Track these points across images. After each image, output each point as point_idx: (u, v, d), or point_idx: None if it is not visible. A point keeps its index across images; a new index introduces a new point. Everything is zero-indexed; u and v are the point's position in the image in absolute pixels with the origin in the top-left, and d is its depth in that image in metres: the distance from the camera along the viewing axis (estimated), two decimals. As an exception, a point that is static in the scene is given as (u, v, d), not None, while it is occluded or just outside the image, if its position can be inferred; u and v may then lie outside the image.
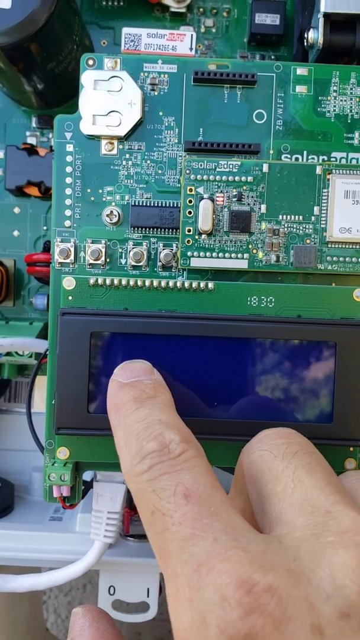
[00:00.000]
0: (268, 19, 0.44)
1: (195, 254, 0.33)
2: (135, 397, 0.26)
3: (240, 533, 0.19)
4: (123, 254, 0.34)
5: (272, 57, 0.46)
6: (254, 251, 0.33)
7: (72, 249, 0.33)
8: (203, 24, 0.46)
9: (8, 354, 0.42)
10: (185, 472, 0.21)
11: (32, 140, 0.46)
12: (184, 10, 0.45)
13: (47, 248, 0.46)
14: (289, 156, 0.33)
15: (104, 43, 0.46)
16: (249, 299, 0.32)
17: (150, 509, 0.21)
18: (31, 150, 0.44)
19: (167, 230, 0.33)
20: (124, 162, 0.33)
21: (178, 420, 0.24)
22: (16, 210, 0.47)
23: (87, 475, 0.35)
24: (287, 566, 0.18)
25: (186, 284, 0.32)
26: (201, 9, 0.46)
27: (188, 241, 0.33)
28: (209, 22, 0.46)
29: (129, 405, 0.25)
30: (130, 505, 0.43)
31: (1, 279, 0.44)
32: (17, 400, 0.51)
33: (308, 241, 0.33)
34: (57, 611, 0.81)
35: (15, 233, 0.47)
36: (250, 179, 0.33)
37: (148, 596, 0.43)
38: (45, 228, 0.47)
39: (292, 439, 0.24)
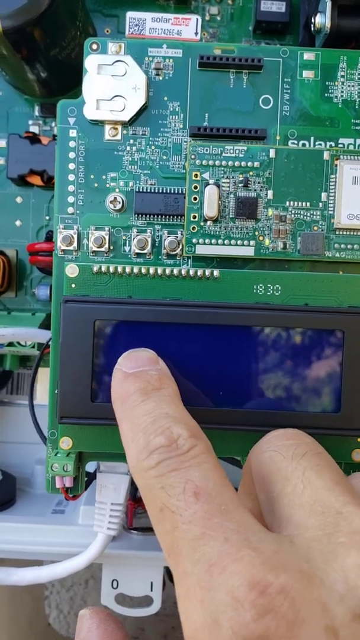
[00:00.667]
0: (274, 6, 0.43)
1: (201, 241, 0.32)
2: (141, 389, 0.25)
3: (252, 532, 0.19)
4: (127, 241, 0.33)
5: (278, 45, 0.45)
6: (261, 238, 0.32)
7: (75, 236, 0.33)
8: (208, 12, 0.45)
9: (10, 344, 0.41)
10: (195, 468, 0.21)
11: (34, 129, 0.46)
12: (188, -3, 0.45)
13: (49, 237, 0.45)
14: (295, 142, 0.33)
15: (107, 31, 0.46)
16: (255, 287, 0.32)
17: (159, 506, 0.20)
18: (34, 139, 0.44)
19: (171, 217, 0.33)
20: (128, 148, 0.33)
21: (185, 414, 0.24)
22: (18, 199, 0.46)
23: (90, 467, 0.35)
24: (299, 567, 0.18)
25: (191, 272, 0.32)
26: (206, -3, 0.45)
27: (193, 228, 0.32)
28: (214, 10, 0.45)
29: (135, 396, 0.25)
30: (133, 497, 0.42)
31: (3, 269, 0.44)
32: (19, 392, 0.51)
33: (315, 228, 0.32)
34: (59, 607, 0.80)
35: (18, 223, 0.46)
36: (256, 164, 0.32)
37: (152, 590, 0.42)
38: (47, 218, 0.46)
39: (300, 440, 0.24)
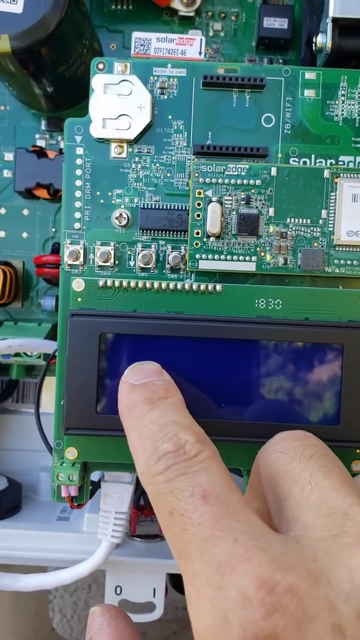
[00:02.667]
0: (276, 23, 0.44)
1: (204, 256, 0.33)
2: (148, 398, 0.26)
3: (259, 533, 0.19)
4: (132, 256, 0.34)
5: (280, 60, 0.46)
6: (262, 254, 0.33)
7: (82, 251, 0.33)
8: (211, 28, 0.46)
9: (17, 354, 0.42)
10: (202, 472, 0.21)
11: (41, 143, 0.47)
12: (192, 14, 0.45)
13: (55, 250, 0.46)
14: (297, 160, 0.34)
15: (112, 47, 0.47)
16: (256, 301, 0.33)
17: (168, 509, 0.21)
18: (40, 153, 0.45)
19: (175, 232, 0.34)
20: (133, 165, 0.34)
21: (192, 421, 0.25)
22: (25, 212, 0.47)
23: (94, 476, 0.35)
24: (306, 566, 0.18)
25: (194, 286, 0.32)
26: (210, 13, 0.46)
27: (196, 244, 0.33)
28: (218, 26, 0.46)
29: (142, 406, 0.25)
30: (137, 505, 0.43)
31: (10, 280, 0.45)
32: (24, 401, 0.51)
33: (316, 244, 0.33)
34: (62, 611, 0.81)
35: (24, 235, 0.47)
36: (258, 182, 0.33)
37: (154, 596, 0.43)
38: (54, 230, 0.47)
39: (308, 442, 0.24)
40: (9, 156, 0.47)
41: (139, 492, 0.42)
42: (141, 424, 0.24)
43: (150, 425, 0.24)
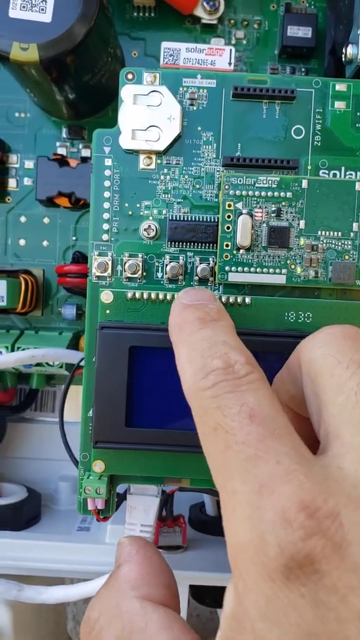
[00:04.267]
0: (300, 31, 0.44)
1: (233, 268, 0.33)
2: (200, 318, 0.25)
3: (303, 458, 0.19)
4: (160, 268, 0.34)
5: (303, 69, 0.46)
6: (292, 267, 0.33)
7: (110, 263, 0.33)
8: (234, 36, 0.46)
9: (38, 364, 0.42)
10: (250, 393, 0.21)
11: (62, 151, 0.46)
12: (215, 22, 0.45)
13: (76, 258, 0.46)
14: (326, 172, 0.33)
15: (134, 54, 0.46)
16: (286, 314, 0.32)
17: (213, 425, 0.21)
18: (62, 161, 0.45)
19: (203, 244, 0.33)
20: (162, 177, 0.33)
21: (242, 344, 0.24)
22: (46, 220, 0.47)
23: (119, 487, 0.35)
24: (347, 493, 0.18)
25: (223, 298, 0.32)
26: (232, 21, 0.46)
27: (226, 256, 0.33)
28: (240, 34, 0.46)
29: (194, 324, 0.25)
30: (159, 516, 0.43)
31: (31, 289, 0.45)
32: (44, 410, 0.51)
33: (347, 257, 0.33)
34: (75, 618, 0.80)
35: (45, 243, 0.47)
36: (289, 194, 0.33)
37: (177, 608, 0.43)
38: (74, 238, 0.47)
39: (359, 343, 0.23)
40: (29, 164, 0.46)
41: (161, 504, 0.41)
42: (191, 340, 0.24)
43: (201, 342, 0.23)
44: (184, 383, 0.23)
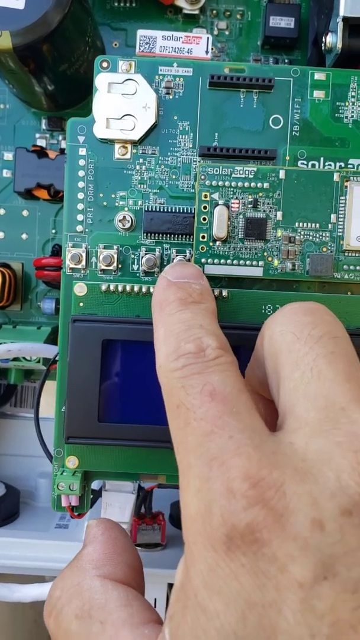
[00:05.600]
0: (282, 22, 0.43)
1: (210, 260, 0.32)
2: (181, 299, 0.26)
3: (256, 434, 0.20)
4: (135, 260, 0.33)
5: (286, 60, 0.45)
6: (269, 259, 0.32)
7: (84, 255, 0.33)
8: (216, 27, 0.45)
9: (16, 359, 0.41)
10: (216, 374, 0.22)
11: (41, 142, 0.46)
12: (197, 12, 0.45)
13: (55, 252, 0.45)
14: (305, 162, 0.33)
15: (115, 44, 0.46)
16: (263, 307, 0.32)
17: (176, 402, 0.21)
18: (41, 153, 0.44)
19: (180, 236, 0.33)
20: (137, 167, 0.33)
21: (218, 329, 0.25)
22: (25, 213, 0.46)
23: (95, 484, 0.34)
24: (294, 465, 0.18)
25: (199, 292, 0.31)
26: (214, 11, 0.45)
27: (202, 248, 0.32)
28: (222, 25, 0.45)
29: (174, 304, 0.25)
30: (137, 514, 0.42)
31: (9, 283, 0.44)
32: (23, 405, 0.50)
33: (325, 249, 0.32)
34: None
35: (24, 236, 0.46)
36: (266, 185, 0.32)
37: (155, 606, 0.42)
38: (54, 231, 0.46)
39: (318, 319, 0.23)
40: (8, 156, 0.46)
41: (139, 501, 0.41)
42: (169, 321, 0.25)
43: (178, 324, 0.24)
44: (157, 362, 0.24)
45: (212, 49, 0.40)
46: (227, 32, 0.46)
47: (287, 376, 0.21)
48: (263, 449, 0.19)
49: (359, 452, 0.18)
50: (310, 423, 0.20)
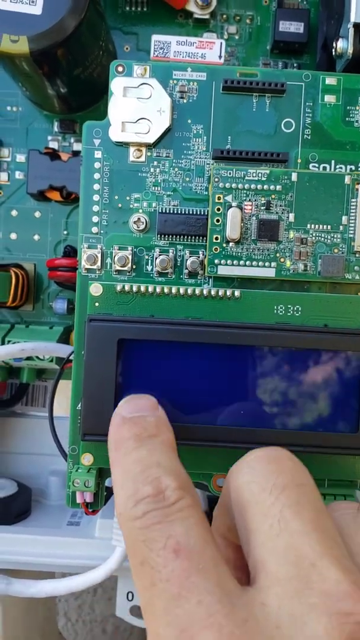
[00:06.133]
0: (292, 26, 0.44)
1: (223, 261, 0.33)
2: (137, 435, 0.25)
3: (226, 595, 0.19)
4: (149, 260, 0.34)
5: (295, 64, 0.46)
6: (282, 260, 0.33)
7: (99, 256, 0.33)
8: (226, 31, 0.46)
9: (29, 358, 0.42)
10: (178, 523, 0.21)
11: (53, 145, 0.46)
12: (207, 16, 0.45)
13: (67, 253, 0.46)
14: (316, 165, 0.33)
15: (127, 48, 0.46)
16: (275, 307, 0.32)
17: (140, 559, 0.21)
18: (54, 155, 0.45)
19: (193, 237, 0.33)
20: (151, 170, 0.33)
21: (177, 464, 0.24)
22: (37, 214, 0.47)
23: (108, 481, 0.35)
24: (268, 634, 0.18)
25: (212, 292, 0.32)
26: (225, 16, 0.46)
27: (216, 249, 0.33)
28: (232, 29, 0.46)
29: (129, 442, 0.25)
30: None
31: (22, 283, 0.44)
32: (34, 404, 0.51)
33: (336, 250, 0.33)
34: (67, 614, 0.80)
35: (36, 237, 0.47)
36: (279, 187, 0.33)
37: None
38: (65, 232, 0.47)
39: (282, 467, 0.22)
40: (21, 158, 0.46)
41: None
42: (125, 461, 0.24)
43: (134, 464, 0.23)
44: (116, 508, 0.23)
45: (224, 51, 0.41)
46: (237, 37, 0.46)
47: (256, 529, 0.21)
48: (234, 617, 0.18)
49: (333, 616, 0.18)
50: (281, 581, 0.19)
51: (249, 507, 0.21)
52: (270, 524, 0.20)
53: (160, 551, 0.20)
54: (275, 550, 0.20)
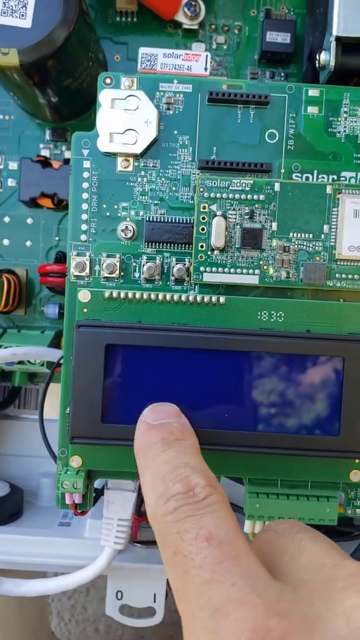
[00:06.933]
0: (279, 37, 0.45)
1: (208, 269, 0.34)
2: (164, 439, 0.26)
3: (258, 579, 0.20)
4: (137, 268, 0.34)
5: (282, 74, 0.47)
6: (265, 267, 0.34)
7: (88, 263, 0.34)
8: (215, 41, 0.47)
9: (20, 362, 0.42)
10: (209, 516, 0.22)
11: (45, 153, 0.47)
12: (196, 27, 0.46)
13: (59, 258, 0.47)
14: (299, 175, 0.34)
15: (117, 58, 0.47)
16: (259, 313, 0.33)
17: (172, 550, 0.21)
18: (45, 163, 0.45)
19: (180, 245, 0.34)
20: (139, 179, 0.34)
21: (204, 465, 0.25)
22: (29, 220, 0.47)
23: (97, 483, 0.36)
24: (302, 612, 0.18)
25: (198, 298, 0.33)
26: (213, 26, 0.47)
27: (201, 257, 0.34)
28: (221, 39, 0.47)
29: (157, 446, 0.26)
30: (138, 512, 0.44)
31: (14, 288, 0.45)
32: (26, 407, 0.52)
33: (318, 258, 0.34)
34: (60, 614, 0.81)
35: (28, 243, 0.47)
36: (262, 197, 0.33)
37: (155, 601, 0.44)
38: (57, 238, 0.47)
39: (294, 523, 0.24)
40: (13, 165, 0.47)
41: (140, 499, 0.42)
42: (155, 464, 0.25)
43: (163, 465, 0.25)
44: (147, 508, 0.24)
45: (210, 63, 0.42)
46: (225, 47, 0.47)
47: (278, 563, 0.22)
48: (267, 597, 0.19)
49: None
50: (310, 581, 0.20)
51: (272, 551, 0.23)
52: (291, 553, 0.22)
53: (192, 540, 0.21)
54: (299, 567, 0.21)
